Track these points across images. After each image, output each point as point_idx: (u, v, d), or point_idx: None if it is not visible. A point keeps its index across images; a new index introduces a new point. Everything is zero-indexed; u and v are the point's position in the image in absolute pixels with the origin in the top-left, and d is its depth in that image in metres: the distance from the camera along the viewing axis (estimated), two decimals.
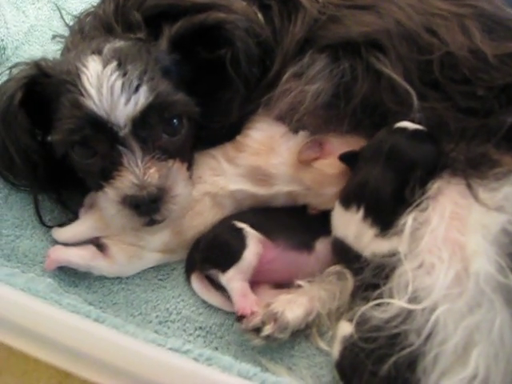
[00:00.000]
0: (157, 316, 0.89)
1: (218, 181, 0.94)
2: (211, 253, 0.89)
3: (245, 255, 0.86)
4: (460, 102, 0.85)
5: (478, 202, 0.77)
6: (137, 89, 0.80)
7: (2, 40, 1.19)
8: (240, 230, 0.88)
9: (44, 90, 0.85)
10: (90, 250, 0.91)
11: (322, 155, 0.91)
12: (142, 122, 0.81)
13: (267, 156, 0.92)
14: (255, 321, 0.83)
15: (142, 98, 0.80)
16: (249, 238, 0.87)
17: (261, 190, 0.93)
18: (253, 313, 0.83)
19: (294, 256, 0.89)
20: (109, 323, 0.75)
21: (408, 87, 0.85)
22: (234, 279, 0.86)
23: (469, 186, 0.79)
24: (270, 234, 0.89)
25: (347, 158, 0.89)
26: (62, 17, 1.15)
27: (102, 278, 0.93)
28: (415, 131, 0.85)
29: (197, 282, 0.91)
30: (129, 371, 0.65)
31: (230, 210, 0.95)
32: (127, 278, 0.93)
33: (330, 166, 0.90)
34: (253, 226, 0.89)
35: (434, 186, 0.81)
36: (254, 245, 0.87)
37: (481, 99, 0.84)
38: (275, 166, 0.92)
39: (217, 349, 0.86)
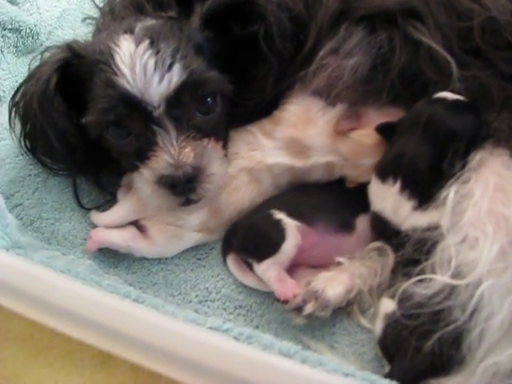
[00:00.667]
0: (196, 295, 0.89)
1: (255, 155, 0.92)
2: (248, 242, 0.88)
3: (283, 248, 0.84)
4: (503, 69, 0.82)
5: None
6: (170, 67, 0.80)
7: (36, 25, 1.19)
8: (278, 222, 0.86)
9: (77, 71, 0.85)
10: (131, 231, 0.92)
11: (359, 125, 0.89)
12: (176, 100, 0.81)
13: (304, 128, 0.91)
14: (296, 300, 0.82)
15: (176, 76, 0.80)
16: (288, 229, 0.85)
17: (298, 163, 0.92)
18: (295, 296, 0.82)
19: (335, 239, 0.88)
20: (148, 303, 0.75)
21: (447, 56, 0.82)
22: (269, 270, 0.85)
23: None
24: (308, 219, 0.87)
25: (384, 129, 0.87)
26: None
27: (141, 259, 0.93)
28: (455, 101, 0.82)
29: (233, 264, 0.91)
30: (168, 351, 0.65)
31: (267, 186, 0.93)
32: (166, 258, 0.94)
33: (366, 136, 0.88)
34: (291, 214, 0.87)
35: (476, 157, 0.79)
36: (293, 237, 0.85)
37: None
38: (312, 136, 0.91)
39: (257, 327, 0.86)
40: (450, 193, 0.78)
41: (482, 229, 0.74)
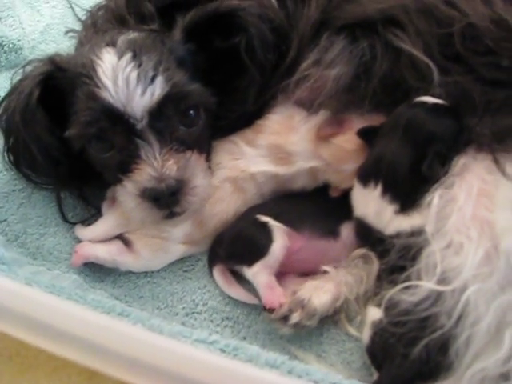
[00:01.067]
0: (183, 308, 0.89)
1: (238, 164, 0.92)
2: (236, 248, 0.88)
3: (272, 249, 0.84)
4: (484, 74, 0.82)
5: (505, 178, 0.75)
6: (152, 80, 0.80)
7: (19, 40, 1.19)
8: (265, 224, 0.86)
9: (60, 84, 0.85)
10: (116, 244, 0.91)
11: (341, 131, 0.89)
12: (159, 113, 0.81)
13: (287, 134, 0.91)
14: (282, 309, 0.82)
15: (158, 88, 0.80)
16: (275, 231, 0.85)
17: (282, 170, 0.92)
18: (281, 305, 0.82)
19: (321, 244, 0.88)
20: (134, 317, 0.74)
21: (429, 62, 0.83)
22: (260, 273, 0.84)
23: (495, 161, 0.76)
24: (294, 224, 0.87)
25: (365, 134, 0.87)
26: (74, 12, 1.15)
27: (127, 273, 0.93)
28: (435, 105, 0.82)
29: (219, 276, 0.90)
30: (153, 365, 0.64)
31: (251, 195, 0.93)
32: (152, 271, 0.93)
33: (348, 141, 0.89)
34: (276, 218, 0.87)
35: (460, 162, 0.79)
36: (281, 238, 0.85)
37: (506, 70, 0.81)
38: (295, 143, 0.91)
39: (245, 338, 0.85)
40: (434, 198, 0.78)
41: (466, 234, 0.74)
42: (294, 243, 0.86)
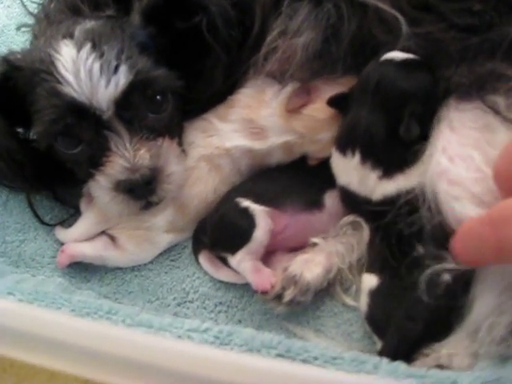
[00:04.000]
0: (174, 298, 0.87)
1: (212, 141, 0.90)
2: (218, 236, 0.86)
3: (255, 236, 0.81)
4: (456, 20, 0.78)
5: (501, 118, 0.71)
6: (116, 69, 0.77)
7: None
8: (246, 209, 0.83)
9: (18, 84, 0.82)
10: (102, 240, 0.90)
11: (310, 101, 0.86)
12: (125, 102, 0.78)
13: (258, 108, 0.89)
14: (274, 288, 0.80)
15: (123, 77, 0.77)
16: (256, 215, 0.82)
17: (256, 144, 0.89)
18: (273, 285, 0.80)
19: (306, 218, 0.85)
20: (122, 313, 0.72)
21: (396, 13, 0.79)
22: (243, 260, 0.82)
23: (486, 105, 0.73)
24: (275, 202, 0.84)
25: (336, 101, 0.84)
26: (23, 4, 1.11)
27: (113, 269, 0.91)
28: (404, 61, 0.78)
29: (205, 262, 0.88)
30: (145, 364, 0.62)
31: (228, 171, 0.91)
32: (139, 265, 0.91)
33: (319, 110, 0.86)
34: (257, 199, 0.84)
35: (443, 115, 0.76)
36: (264, 222, 0.82)
37: (478, 14, 0.77)
38: (266, 117, 0.88)
39: (240, 322, 0.84)
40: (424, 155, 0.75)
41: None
42: (278, 223, 0.83)
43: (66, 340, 0.65)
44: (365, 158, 0.79)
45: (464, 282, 0.70)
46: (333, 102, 0.84)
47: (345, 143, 0.81)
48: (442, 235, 0.70)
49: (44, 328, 0.67)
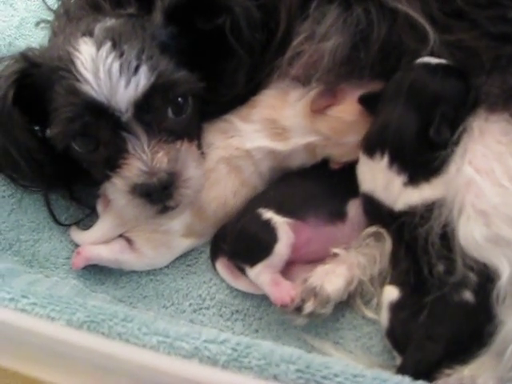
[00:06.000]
0: (190, 304, 0.86)
1: (232, 142, 0.88)
2: (239, 247, 0.84)
3: (276, 249, 0.79)
4: (489, 28, 0.77)
5: None
6: (136, 70, 0.75)
7: None
8: (268, 222, 0.81)
9: (36, 81, 0.80)
10: (119, 243, 0.88)
11: (336, 102, 0.85)
12: (145, 104, 0.76)
13: (281, 108, 0.87)
14: (294, 301, 0.78)
15: (143, 79, 0.75)
16: (279, 229, 0.80)
17: (278, 146, 0.87)
18: (292, 299, 0.78)
19: (328, 230, 0.83)
20: (137, 322, 0.70)
21: (426, 21, 0.77)
22: (262, 273, 0.80)
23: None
24: (297, 213, 0.82)
25: (366, 100, 0.83)
26: (45, 2, 1.09)
27: (128, 273, 0.89)
28: (438, 65, 0.78)
29: (223, 269, 0.86)
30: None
31: (248, 174, 0.89)
32: (155, 269, 0.89)
33: (345, 112, 0.84)
34: (279, 209, 0.82)
35: (473, 125, 0.74)
36: (286, 236, 0.80)
37: None
38: (289, 118, 0.87)
39: (257, 331, 0.82)
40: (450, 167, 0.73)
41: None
42: (301, 236, 0.81)
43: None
44: (393, 160, 0.78)
45: (487, 304, 0.69)
46: (364, 101, 0.83)
47: (374, 144, 0.80)
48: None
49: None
